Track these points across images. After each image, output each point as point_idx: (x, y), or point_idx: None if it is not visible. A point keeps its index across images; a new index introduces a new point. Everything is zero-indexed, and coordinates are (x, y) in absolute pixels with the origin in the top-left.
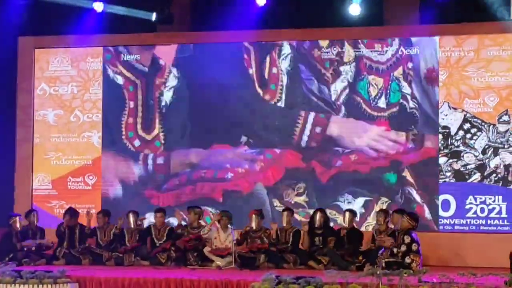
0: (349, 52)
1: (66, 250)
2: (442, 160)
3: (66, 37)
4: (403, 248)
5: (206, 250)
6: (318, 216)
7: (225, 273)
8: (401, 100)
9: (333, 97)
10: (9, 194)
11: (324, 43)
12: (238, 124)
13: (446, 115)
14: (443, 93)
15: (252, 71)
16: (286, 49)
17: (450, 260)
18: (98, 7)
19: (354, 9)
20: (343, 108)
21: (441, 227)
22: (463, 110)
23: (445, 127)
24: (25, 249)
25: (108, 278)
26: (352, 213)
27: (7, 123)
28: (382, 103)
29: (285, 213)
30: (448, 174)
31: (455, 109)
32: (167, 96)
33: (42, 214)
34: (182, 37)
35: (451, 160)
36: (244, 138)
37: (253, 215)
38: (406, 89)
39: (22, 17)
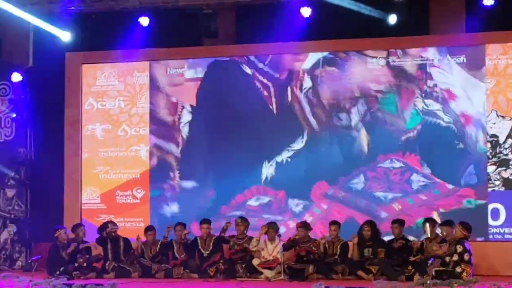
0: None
1: (115, 264)
2: (490, 168)
3: (113, 52)
4: (455, 257)
5: (255, 262)
6: (366, 228)
7: (274, 284)
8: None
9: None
10: (59, 209)
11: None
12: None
13: (494, 123)
14: (491, 101)
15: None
16: (308, 82)
17: (500, 269)
18: (144, 21)
19: (392, 19)
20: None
21: (490, 236)
22: (511, 118)
23: (493, 136)
24: (76, 264)
25: None
26: (401, 223)
27: (56, 138)
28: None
29: (332, 226)
30: (497, 182)
31: (503, 117)
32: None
33: (91, 228)
34: (227, 50)
35: (500, 169)
36: None
37: (299, 228)
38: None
39: (69, 33)
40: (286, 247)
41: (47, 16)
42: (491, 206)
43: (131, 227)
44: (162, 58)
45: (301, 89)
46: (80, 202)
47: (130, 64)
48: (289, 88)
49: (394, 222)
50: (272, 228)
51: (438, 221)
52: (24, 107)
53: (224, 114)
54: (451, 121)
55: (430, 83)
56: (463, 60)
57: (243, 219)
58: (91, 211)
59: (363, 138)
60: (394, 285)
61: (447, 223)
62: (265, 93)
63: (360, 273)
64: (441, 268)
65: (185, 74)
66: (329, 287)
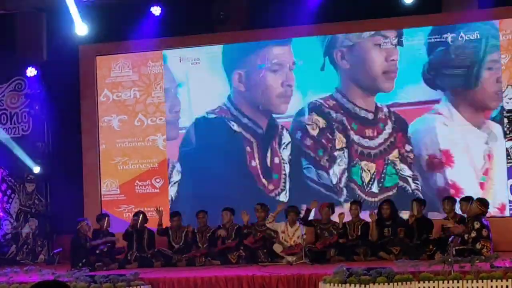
0: (340, 138)
1: (137, 254)
2: (508, 144)
3: (126, 42)
4: (473, 234)
5: (277, 248)
6: (385, 207)
7: (297, 268)
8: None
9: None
10: (79, 201)
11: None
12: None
13: (511, 98)
14: (506, 76)
15: (255, 163)
16: (286, 138)
17: None
18: (156, 11)
19: None
20: (344, 191)
21: (511, 212)
22: None
23: (510, 111)
24: (97, 252)
25: (181, 279)
26: (420, 202)
27: (73, 131)
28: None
29: (353, 206)
30: None
31: None
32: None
33: (111, 219)
34: (239, 36)
35: None
36: None
37: (326, 208)
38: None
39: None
40: (304, 220)
41: (60, 9)
42: (510, 182)
43: (151, 216)
44: (175, 47)
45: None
46: (100, 194)
47: (143, 54)
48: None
49: (413, 200)
50: (293, 212)
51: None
52: (40, 101)
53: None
54: None
55: None
56: (477, 36)
57: (263, 205)
58: (111, 202)
59: None
60: (416, 264)
61: (465, 199)
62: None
63: (381, 254)
64: (461, 247)
65: None
66: (351, 269)
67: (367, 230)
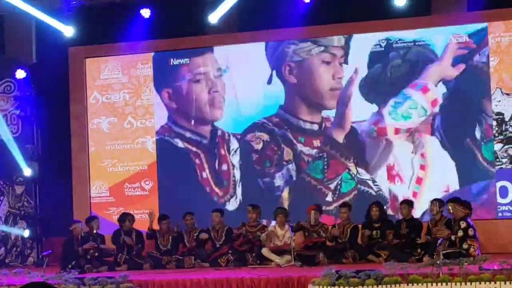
0: (288, 151)
1: (127, 256)
2: (497, 146)
3: (115, 45)
4: (460, 233)
5: (265, 251)
6: (374, 209)
7: (286, 270)
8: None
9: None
10: (68, 204)
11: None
12: None
13: (499, 101)
14: (495, 79)
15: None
16: (234, 144)
17: (510, 247)
18: (146, 13)
19: (400, 1)
20: None
21: (499, 214)
22: None
23: (498, 113)
24: (88, 256)
25: (170, 281)
26: (409, 204)
27: (62, 133)
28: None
29: (343, 209)
30: (505, 160)
31: (508, 94)
32: None
33: (100, 221)
34: (231, 38)
35: (506, 146)
36: None
37: (312, 211)
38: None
39: (72, 28)
40: (294, 230)
41: (49, 11)
42: (499, 184)
43: (141, 219)
44: (164, 49)
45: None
46: (89, 196)
47: (133, 56)
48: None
49: (402, 202)
50: (281, 213)
51: None
52: (29, 104)
53: None
54: None
55: None
56: (465, 39)
57: (254, 207)
58: (100, 204)
59: None
60: (404, 267)
61: (451, 201)
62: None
63: (370, 257)
64: (449, 250)
65: None
66: (339, 271)
67: (356, 233)
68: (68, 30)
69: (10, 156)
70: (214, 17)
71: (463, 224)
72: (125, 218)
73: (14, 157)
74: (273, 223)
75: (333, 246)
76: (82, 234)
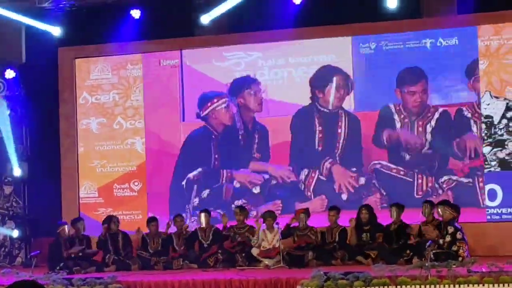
0: None
1: (115, 257)
2: (486, 149)
3: (105, 45)
4: (448, 238)
5: (254, 252)
6: (364, 212)
7: (274, 272)
8: None
9: None
10: (57, 204)
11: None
12: None
13: (489, 104)
14: (484, 82)
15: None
16: None
17: (499, 249)
18: (136, 14)
19: (391, 3)
20: None
21: (488, 217)
22: (505, 99)
23: (488, 117)
24: (72, 256)
25: (158, 282)
26: (399, 207)
27: (52, 133)
28: None
29: (331, 212)
30: (493, 163)
31: (497, 97)
32: None
33: (89, 222)
34: (219, 40)
35: (495, 149)
36: None
37: (301, 214)
38: None
39: (61, 28)
40: (284, 234)
41: (38, 12)
42: (488, 187)
43: (130, 219)
44: (154, 50)
45: None
46: (78, 197)
47: (123, 57)
48: None
49: (392, 205)
50: (270, 217)
51: None
52: (18, 104)
53: None
54: None
55: None
56: (455, 42)
57: (241, 209)
58: (89, 205)
59: None
60: (393, 269)
61: (441, 203)
62: None
63: (359, 258)
64: (438, 251)
65: None
66: (328, 273)
67: (345, 236)
68: (55, 30)
69: None
70: (206, 19)
71: (450, 229)
72: (109, 220)
73: (2, 157)
74: (262, 228)
75: (322, 247)
76: (69, 236)
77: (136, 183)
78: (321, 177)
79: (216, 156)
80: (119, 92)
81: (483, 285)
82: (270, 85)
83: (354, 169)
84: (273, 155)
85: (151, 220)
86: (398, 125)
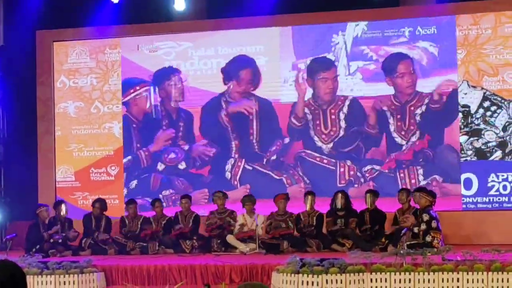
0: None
1: (91, 241)
2: (462, 138)
3: (84, 29)
4: (423, 226)
5: (230, 238)
6: (339, 197)
7: (250, 258)
8: None
9: None
10: (33, 188)
11: None
12: None
13: (466, 93)
14: (462, 72)
15: None
16: None
17: (474, 238)
18: None
19: None
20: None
21: (464, 206)
22: (482, 88)
23: (465, 106)
24: (52, 240)
25: (134, 267)
26: (374, 194)
27: (28, 116)
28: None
29: (309, 197)
30: (470, 152)
31: (474, 87)
32: None
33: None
34: (199, 25)
35: (472, 139)
36: None
37: (281, 199)
38: None
39: (39, 11)
40: (267, 231)
41: None
42: (463, 176)
43: (111, 204)
44: (132, 35)
45: None
46: (54, 180)
47: (101, 41)
48: None
49: (367, 192)
50: (249, 201)
51: None
52: None
53: None
54: None
55: None
56: (434, 31)
57: (222, 193)
58: (66, 189)
59: None
60: (368, 256)
61: (418, 189)
62: None
63: (334, 246)
64: (413, 242)
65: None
66: (303, 259)
67: (321, 221)
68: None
69: None
70: (179, 4)
71: (425, 217)
72: (96, 203)
73: None
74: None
75: (297, 233)
76: (48, 219)
77: (113, 168)
78: (247, 167)
79: (138, 145)
80: (97, 76)
81: (458, 273)
82: (196, 75)
83: (282, 159)
84: (198, 142)
85: (130, 203)
86: (309, 116)
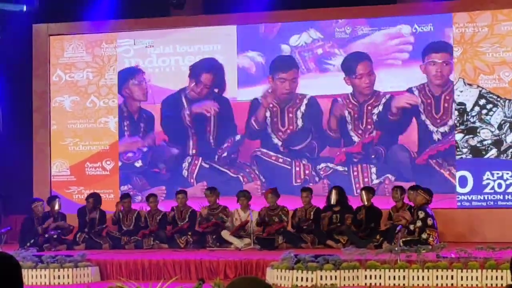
0: None
1: (86, 235)
2: (458, 136)
3: (80, 23)
4: (419, 223)
5: (225, 234)
6: (334, 193)
7: (244, 253)
8: None
9: None
10: (28, 182)
11: None
12: None
13: (462, 91)
14: (458, 70)
15: None
16: None
17: (468, 236)
18: None
19: None
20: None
21: (458, 204)
22: (478, 86)
23: (460, 104)
24: (46, 235)
25: (128, 261)
26: (369, 191)
27: (24, 110)
28: None
29: (304, 193)
30: (465, 150)
31: (470, 85)
32: None
33: (61, 200)
34: (195, 20)
35: (467, 137)
36: None
37: (270, 194)
38: None
39: (36, 4)
40: (258, 224)
41: None
42: (459, 174)
43: (102, 198)
44: (129, 30)
45: None
46: (49, 174)
47: (98, 36)
48: None
49: (363, 189)
50: (243, 197)
51: None
52: None
53: None
54: None
55: None
56: (430, 29)
57: (212, 190)
58: (61, 183)
59: None
60: (363, 253)
61: (412, 187)
62: None
63: (329, 242)
64: (408, 238)
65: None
66: (298, 255)
67: (319, 216)
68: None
69: None
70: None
71: (421, 214)
72: (90, 197)
73: None
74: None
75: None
76: (43, 214)
77: (108, 162)
78: (204, 165)
79: None
80: (93, 71)
81: (452, 270)
82: (157, 73)
83: (233, 156)
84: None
85: (124, 197)
86: (268, 113)
